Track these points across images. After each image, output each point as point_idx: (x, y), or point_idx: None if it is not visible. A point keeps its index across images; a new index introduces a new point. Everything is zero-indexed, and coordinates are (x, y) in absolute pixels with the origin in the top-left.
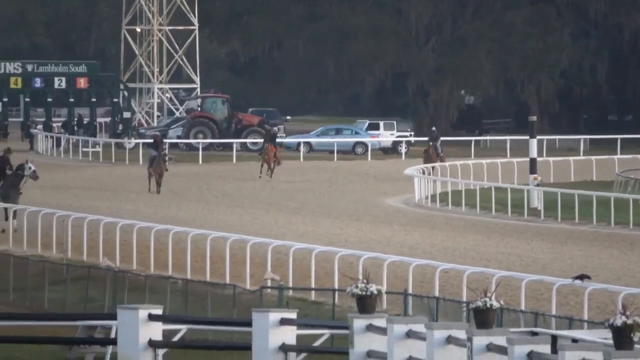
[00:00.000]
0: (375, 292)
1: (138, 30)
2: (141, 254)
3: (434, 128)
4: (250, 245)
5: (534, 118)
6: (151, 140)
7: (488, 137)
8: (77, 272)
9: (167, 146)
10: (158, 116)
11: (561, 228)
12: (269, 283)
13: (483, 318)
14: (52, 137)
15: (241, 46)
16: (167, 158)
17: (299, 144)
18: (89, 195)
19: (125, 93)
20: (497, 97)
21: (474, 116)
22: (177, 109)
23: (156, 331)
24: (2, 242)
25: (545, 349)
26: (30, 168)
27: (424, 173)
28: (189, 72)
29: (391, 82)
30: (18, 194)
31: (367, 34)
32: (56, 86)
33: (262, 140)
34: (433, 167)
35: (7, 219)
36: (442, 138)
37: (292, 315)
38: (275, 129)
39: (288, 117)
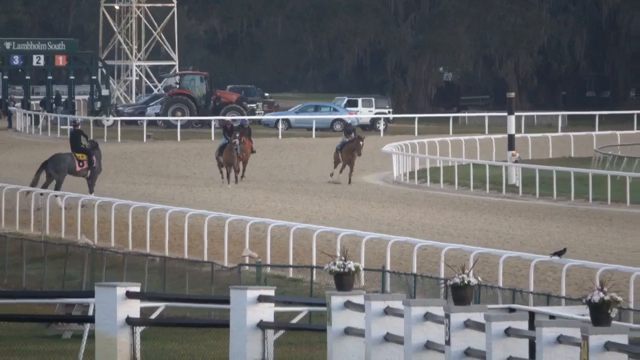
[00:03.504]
0: (353, 269)
1: (116, 7)
2: (119, 231)
3: (349, 121)
4: (229, 223)
5: (512, 94)
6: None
7: (466, 114)
8: (55, 250)
9: (240, 134)
10: (136, 94)
11: (539, 204)
12: (247, 260)
13: (461, 294)
14: (30, 114)
15: (220, 23)
16: (237, 147)
17: (277, 121)
18: None
19: (104, 70)
20: (476, 74)
21: (452, 93)
22: (156, 87)
23: (134, 309)
24: None
25: (523, 325)
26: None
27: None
28: (167, 49)
29: (370, 59)
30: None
31: (346, 10)
32: (34, 64)
33: (239, 117)
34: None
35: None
36: (420, 115)
37: (270, 292)
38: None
39: (266, 94)
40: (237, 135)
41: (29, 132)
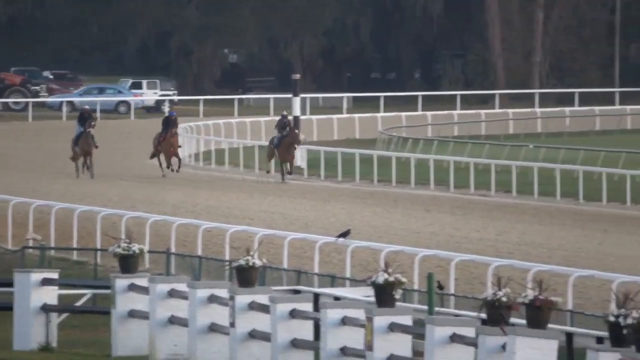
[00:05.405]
0: (138, 251)
1: None
2: None
3: (286, 112)
4: (13, 205)
5: (297, 76)
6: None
7: (251, 96)
8: None
9: (95, 122)
10: None
11: (324, 186)
12: (30, 243)
13: (245, 276)
14: None
15: (2, 5)
16: (93, 135)
17: (61, 103)
18: None
19: None
20: (261, 56)
21: (237, 75)
22: None
23: None
24: None
25: (308, 307)
26: None
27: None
28: None
29: (154, 40)
30: None
31: None
32: None
33: (23, 100)
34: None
35: None
36: (205, 97)
37: (54, 275)
38: (175, 113)
39: (51, 76)
40: (92, 123)
41: None
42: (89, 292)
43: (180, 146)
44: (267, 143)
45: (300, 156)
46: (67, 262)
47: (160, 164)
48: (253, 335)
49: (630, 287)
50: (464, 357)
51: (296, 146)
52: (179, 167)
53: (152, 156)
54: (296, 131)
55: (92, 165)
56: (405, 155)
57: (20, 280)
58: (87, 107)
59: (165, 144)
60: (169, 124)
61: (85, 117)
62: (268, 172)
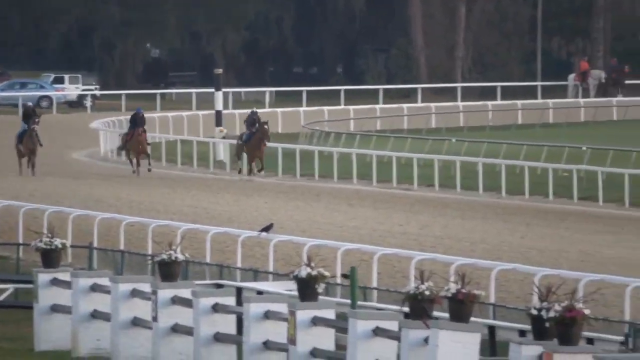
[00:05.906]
0: (60, 246)
1: None
2: None
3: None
4: None
5: (220, 71)
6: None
7: (174, 90)
8: None
9: (40, 119)
10: None
11: (247, 180)
12: None
13: (168, 271)
14: None
15: None
16: (37, 132)
17: None
18: None
19: None
20: (183, 50)
21: (159, 69)
22: None
23: None
24: None
25: (230, 301)
26: None
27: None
28: None
29: (77, 35)
30: None
31: None
32: None
33: None
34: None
35: None
36: (128, 92)
37: None
38: (141, 110)
39: None
40: (37, 120)
41: None
42: (11, 287)
43: (149, 144)
44: (190, 137)
45: (222, 150)
46: None
47: (131, 162)
48: (176, 329)
49: (553, 280)
50: (387, 351)
51: (266, 143)
52: (149, 164)
53: (122, 149)
54: (265, 127)
55: (35, 163)
56: (328, 149)
57: None
58: (30, 103)
59: (133, 143)
60: (137, 121)
61: (29, 114)
62: (240, 171)
